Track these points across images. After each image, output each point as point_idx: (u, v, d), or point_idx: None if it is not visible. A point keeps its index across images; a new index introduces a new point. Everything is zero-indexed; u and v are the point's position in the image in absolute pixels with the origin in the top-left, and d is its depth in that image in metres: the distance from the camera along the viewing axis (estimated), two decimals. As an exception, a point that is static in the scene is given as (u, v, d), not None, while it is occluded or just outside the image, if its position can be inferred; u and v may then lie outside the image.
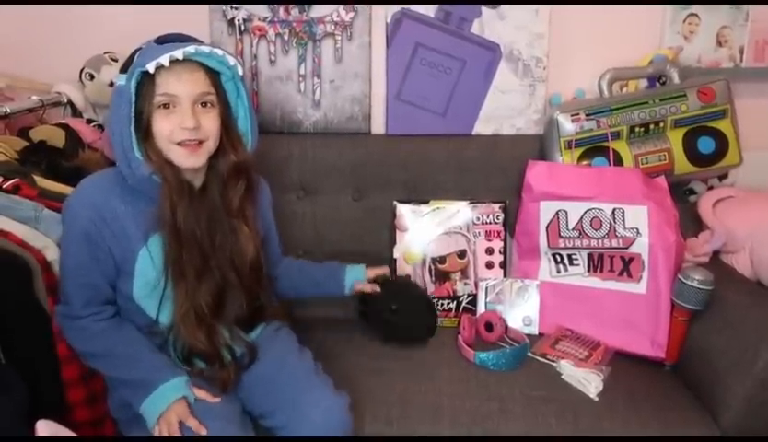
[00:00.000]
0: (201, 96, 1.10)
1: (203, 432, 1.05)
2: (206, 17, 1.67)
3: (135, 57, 1.08)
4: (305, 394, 1.15)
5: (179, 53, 1.05)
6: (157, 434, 1.06)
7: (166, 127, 1.08)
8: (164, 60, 1.04)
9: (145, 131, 1.09)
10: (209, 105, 1.11)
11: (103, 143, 1.17)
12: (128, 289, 1.13)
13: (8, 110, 1.40)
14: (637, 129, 1.56)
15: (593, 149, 1.56)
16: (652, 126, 1.56)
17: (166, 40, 1.09)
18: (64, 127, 1.52)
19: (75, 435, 1.03)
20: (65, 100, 1.64)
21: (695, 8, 1.68)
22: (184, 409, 1.08)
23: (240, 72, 1.15)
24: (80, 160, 1.45)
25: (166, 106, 1.08)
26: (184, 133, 1.09)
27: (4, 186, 1.25)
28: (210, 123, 1.11)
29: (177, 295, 1.13)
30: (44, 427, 0.98)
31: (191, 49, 1.07)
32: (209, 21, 1.67)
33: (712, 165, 1.58)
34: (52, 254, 1.20)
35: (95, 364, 1.14)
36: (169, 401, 1.07)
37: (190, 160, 1.11)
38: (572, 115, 1.56)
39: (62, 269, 1.14)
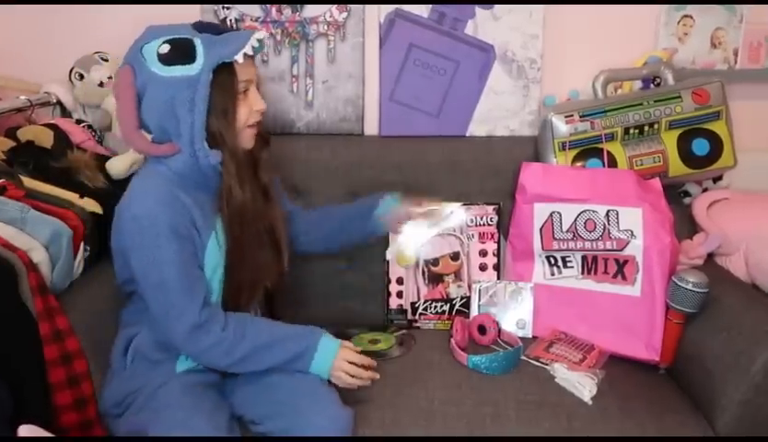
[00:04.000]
0: (256, 78, 1.17)
1: (374, 364, 1.21)
2: (198, 16, 1.65)
3: (197, 48, 1.08)
4: (310, 402, 1.14)
5: (254, 41, 1.11)
6: (340, 384, 1.17)
7: (245, 112, 1.15)
8: (248, 49, 1.09)
9: (231, 118, 1.12)
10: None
11: (131, 137, 1.13)
12: None
13: (-4, 110, 1.38)
14: (632, 130, 1.55)
15: (587, 151, 1.55)
16: (646, 128, 1.55)
17: (208, 30, 1.12)
18: (53, 127, 1.50)
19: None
20: (54, 100, 1.62)
21: (690, 10, 1.67)
22: (349, 352, 1.18)
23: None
24: (68, 161, 1.43)
25: (245, 92, 1.14)
26: (256, 115, 1.17)
27: (-11, 187, 1.24)
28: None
29: (239, 270, 1.18)
30: (26, 432, 0.96)
31: (260, 35, 1.13)
32: (200, 18, 1.65)
33: (706, 167, 1.57)
34: (37, 256, 1.19)
35: (245, 367, 1.16)
36: (334, 350, 1.17)
37: (253, 141, 1.19)
38: (566, 116, 1.55)
39: (162, 285, 1.10)
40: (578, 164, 1.55)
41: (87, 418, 1.20)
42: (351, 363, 1.18)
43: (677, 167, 1.56)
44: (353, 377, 1.17)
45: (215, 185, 1.15)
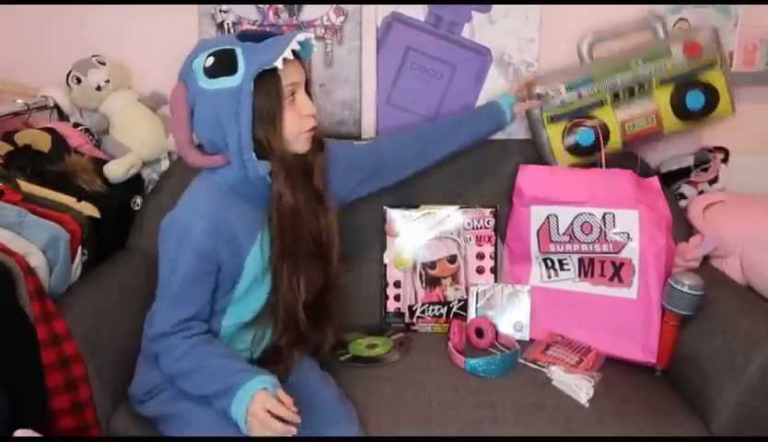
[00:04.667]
0: (305, 80, 1.15)
1: (297, 420, 1.03)
2: (195, 20, 1.66)
3: (238, 58, 1.07)
4: (329, 421, 1.15)
5: (295, 44, 1.07)
6: (250, 433, 1.04)
7: (295, 118, 1.12)
8: (288, 53, 1.06)
9: (278, 126, 1.10)
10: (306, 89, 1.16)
11: (185, 152, 1.15)
12: (227, 295, 1.17)
13: (-7, 114, 1.38)
14: (621, 94, 1.52)
15: (577, 122, 1.53)
16: (637, 89, 1.52)
17: (250, 37, 1.10)
18: (51, 131, 1.50)
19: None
20: (52, 104, 1.62)
21: (685, 13, 1.68)
22: (267, 397, 1.03)
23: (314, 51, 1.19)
24: (66, 165, 1.44)
25: (292, 95, 1.11)
26: (310, 120, 1.14)
27: (-13, 191, 1.24)
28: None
29: (288, 278, 1.16)
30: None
31: (301, 37, 1.09)
32: (198, 25, 1.66)
33: (702, 118, 1.54)
34: (35, 260, 1.19)
35: (183, 384, 1.14)
36: (251, 393, 1.04)
37: (308, 145, 1.17)
38: (551, 90, 1.53)
39: (167, 286, 1.12)
40: (570, 136, 1.54)
41: (85, 422, 1.20)
42: (269, 411, 1.04)
43: (671, 123, 1.53)
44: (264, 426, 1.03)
45: (265, 196, 1.14)
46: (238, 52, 1.07)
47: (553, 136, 1.56)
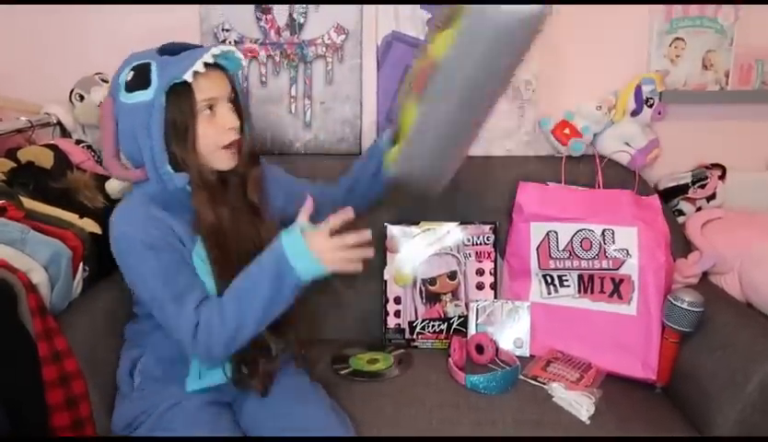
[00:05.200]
0: (230, 95, 1.13)
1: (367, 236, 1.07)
2: (198, 38, 1.68)
3: (152, 72, 1.07)
4: (324, 432, 1.14)
5: (208, 57, 1.07)
6: (335, 269, 1.07)
7: (211, 132, 1.10)
8: (199, 66, 1.06)
9: (191, 140, 1.09)
10: (233, 104, 1.14)
11: (108, 164, 1.16)
12: None
13: (-3, 131, 1.39)
14: None
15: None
16: None
17: (168, 51, 1.10)
18: (53, 148, 1.51)
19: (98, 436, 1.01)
20: (55, 121, 1.63)
21: (681, 33, 1.70)
22: (315, 232, 1.06)
23: (245, 65, 1.22)
24: (68, 181, 1.44)
25: (210, 109, 1.10)
26: (230, 134, 1.12)
27: (-10, 208, 1.24)
28: (239, 120, 1.14)
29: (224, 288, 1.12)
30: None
31: (216, 51, 1.09)
32: (200, 42, 1.67)
33: None
34: (37, 276, 1.19)
35: (247, 324, 1.08)
36: (298, 238, 1.04)
37: (232, 161, 1.15)
38: None
39: (154, 299, 1.10)
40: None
41: (86, 439, 1.19)
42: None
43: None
44: (344, 257, 1.06)
45: (188, 206, 1.13)
46: (153, 65, 1.08)
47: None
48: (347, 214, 1.09)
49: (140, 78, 1.08)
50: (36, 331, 1.13)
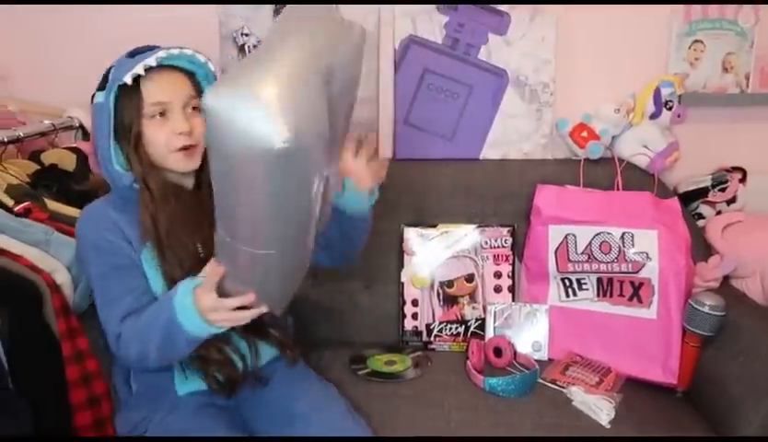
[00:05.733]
0: (189, 99, 1.11)
1: (250, 297, 0.98)
2: (217, 42, 1.69)
3: (110, 74, 1.09)
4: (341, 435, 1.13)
5: (152, 60, 1.06)
6: (221, 328, 1.02)
7: (161, 136, 1.10)
8: (139, 69, 1.06)
9: (133, 142, 1.09)
10: (196, 109, 1.12)
11: (92, 161, 1.18)
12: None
13: (21, 135, 1.41)
14: None
15: None
16: None
17: (137, 53, 1.10)
18: (75, 151, 1.53)
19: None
20: (77, 124, 1.65)
21: (700, 35, 1.69)
22: (205, 297, 0.99)
23: (212, 68, 1.16)
24: (90, 183, 1.45)
25: (162, 114, 1.09)
26: (180, 139, 1.10)
27: (15, 209, 1.26)
28: (202, 126, 1.05)
29: None
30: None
31: (162, 54, 1.08)
32: (219, 47, 1.69)
33: None
34: (61, 277, 1.21)
35: (155, 365, 1.09)
36: (189, 298, 1.00)
37: (189, 164, 1.13)
38: None
39: (96, 298, 1.12)
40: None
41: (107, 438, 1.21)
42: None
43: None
44: (229, 318, 1.01)
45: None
46: (113, 67, 1.10)
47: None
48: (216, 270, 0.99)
49: (102, 80, 1.11)
50: (60, 331, 1.15)
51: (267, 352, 1.24)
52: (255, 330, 1.17)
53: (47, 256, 1.20)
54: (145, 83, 1.08)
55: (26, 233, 1.21)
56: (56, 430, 1.12)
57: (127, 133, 1.09)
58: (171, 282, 1.09)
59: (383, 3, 1.68)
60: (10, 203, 1.27)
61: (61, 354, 1.14)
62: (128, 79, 1.06)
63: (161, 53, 1.08)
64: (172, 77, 1.12)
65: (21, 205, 1.27)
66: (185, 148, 1.11)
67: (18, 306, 1.10)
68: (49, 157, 1.49)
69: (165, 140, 1.10)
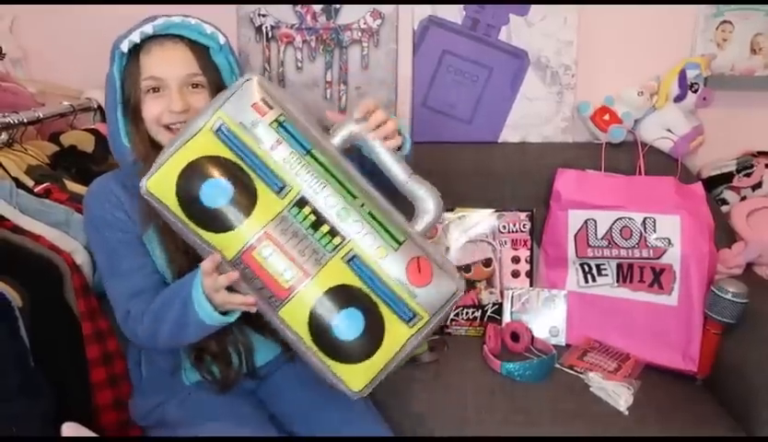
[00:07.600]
0: (189, 77, 1.04)
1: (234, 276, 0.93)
2: (234, 23, 1.68)
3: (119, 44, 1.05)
4: (353, 420, 1.11)
5: (148, 28, 1.01)
6: (227, 306, 0.97)
7: (154, 110, 1.04)
8: (135, 37, 1.01)
9: (131, 116, 1.05)
10: (199, 86, 1.06)
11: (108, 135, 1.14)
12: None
13: (40, 116, 1.41)
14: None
15: None
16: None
17: (150, 21, 1.05)
18: (94, 132, 1.54)
19: (98, 436, 1.03)
20: (96, 106, 1.65)
21: (728, 16, 1.65)
22: (212, 281, 0.94)
23: (222, 41, 1.08)
24: (108, 165, 1.46)
25: (155, 89, 1.04)
26: (172, 116, 1.04)
27: (35, 190, 1.27)
28: (201, 105, 1.02)
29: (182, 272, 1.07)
30: (69, 430, 0.98)
31: (160, 21, 1.02)
32: (237, 28, 1.68)
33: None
34: (80, 258, 1.22)
35: (164, 347, 1.09)
36: (201, 293, 0.96)
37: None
38: None
39: (101, 271, 1.11)
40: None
41: (126, 417, 1.22)
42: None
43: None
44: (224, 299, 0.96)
45: None
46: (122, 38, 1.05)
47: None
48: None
49: (113, 50, 1.06)
50: (80, 311, 1.16)
51: (271, 347, 1.18)
52: (261, 325, 1.10)
53: (67, 237, 1.21)
54: (144, 54, 1.04)
55: (46, 214, 1.22)
56: (78, 408, 1.13)
57: (128, 103, 1.05)
58: (174, 264, 1.07)
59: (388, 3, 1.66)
60: (30, 183, 1.28)
61: (81, 333, 1.15)
62: (124, 47, 1.02)
63: (159, 21, 1.02)
64: (173, 51, 1.04)
65: (41, 186, 1.28)
66: (174, 126, 1.05)
67: (40, 285, 1.11)
68: (68, 139, 1.50)
69: (157, 114, 1.04)
